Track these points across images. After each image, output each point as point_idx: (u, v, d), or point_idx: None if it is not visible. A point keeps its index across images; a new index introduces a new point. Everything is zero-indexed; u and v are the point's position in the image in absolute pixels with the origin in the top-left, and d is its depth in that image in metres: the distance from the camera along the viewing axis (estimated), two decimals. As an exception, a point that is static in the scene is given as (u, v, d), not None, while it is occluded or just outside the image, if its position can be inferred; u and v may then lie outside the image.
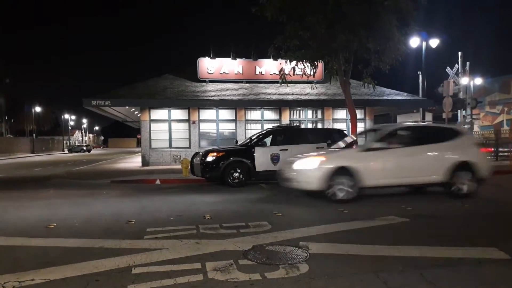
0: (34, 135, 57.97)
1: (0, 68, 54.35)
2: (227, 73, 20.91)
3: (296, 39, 13.08)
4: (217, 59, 20.87)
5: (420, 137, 9.02)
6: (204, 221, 6.48)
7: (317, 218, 6.71)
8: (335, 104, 20.02)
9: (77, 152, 57.14)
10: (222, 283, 3.70)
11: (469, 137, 9.16)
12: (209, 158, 11.31)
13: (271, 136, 12.29)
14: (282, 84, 15.91)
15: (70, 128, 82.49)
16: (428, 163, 8.58)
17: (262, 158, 11.42)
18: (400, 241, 5.11)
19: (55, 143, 68.70)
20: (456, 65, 21.93)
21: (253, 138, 12.53)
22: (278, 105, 19.91)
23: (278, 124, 18.18)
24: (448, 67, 22.09)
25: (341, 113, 20.79)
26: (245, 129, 19.97)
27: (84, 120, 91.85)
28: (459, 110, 23.38)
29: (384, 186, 8.57)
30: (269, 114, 20.46)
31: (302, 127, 18.43)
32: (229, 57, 20.92)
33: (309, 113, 20.79)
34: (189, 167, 12.64)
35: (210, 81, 20.78)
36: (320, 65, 17.00)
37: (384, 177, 8.36)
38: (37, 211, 7.87)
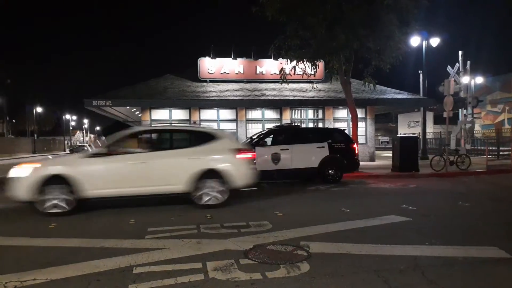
0: (35, 135, 58.04)
1: (1, 68, 54.46)
2: (228, 73, 20.90)
3: (297, 38, 13.10)
4: (218, 59, 20.86)
5: (166, 141, 8.41)
6: (205, 221, 6.48)
7: (319, 217, 6.70)
8: (336, 103, 19.99)
9: (78, 152, 57.23)
10: (223, 282, 3.70)
11: (226, 141, 8.13)
12: None
13: (271, 136, 12.05)
14: (283, 84, 15.91)
15: (71, 128, 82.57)
16: (169, 171, 7.68)
17: (262, 158, 11.15)
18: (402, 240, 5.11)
19: (56, 143, 68.80)
20: (457, 64, 21.87)
21: (253, 137, 12.47)
22: (279, 104, 19.90)
23: (278, 124, 18.09)
24: (449, 66, 22.04)
25: (342, 113, 20.77)
26: (246, 128, 19.96)
27: (85, 121, 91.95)
28: (460, 109, 23.37)
29: (113, 196, 7.43)
30: (270, 114, 20.46)
31: (303, 126, 18.38)
32: (230, 57, 20.91)
33: (310, 113, 20.77)
34: None
35: (211, 81, 20.77)
36: (321, 64, 17.00)
37: (112, 187, 7.35)
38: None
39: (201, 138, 8.26)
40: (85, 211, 7.28)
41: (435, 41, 19.74)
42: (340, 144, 11.95)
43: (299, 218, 6.63)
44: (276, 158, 11.30)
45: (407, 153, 13.74)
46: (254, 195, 9.59)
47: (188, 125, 11.50)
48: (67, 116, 74.73)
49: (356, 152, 12.43)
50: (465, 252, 4.53)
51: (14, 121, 67.69)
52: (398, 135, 16.14)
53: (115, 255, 4.56)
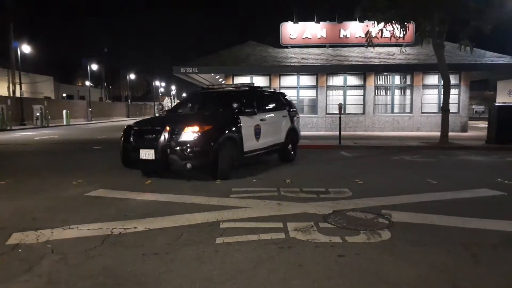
0: (129, 100, 62.94)
1: (100, 38, 59.19)
2: (310, 38, 20.44)
3: (385, -1, 12.26)
4: (300, 23, 20.44)
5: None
6: (285, 185, 6.67)
7: (402, 187, 6.51)
8: (426, 68, 18.63)
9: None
10: (303, 242, 3.85)
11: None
12: (188, 137, 6.74)
13: (245, 100, 8.23)
14: (368, 48, 15.19)
15: (160, 94, 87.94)
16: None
17: (248, 133, 7.83)
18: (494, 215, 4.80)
19: (147, 108, 73.98)
20: None
21: (220, 100, 8.92)
22: (363, 70, 19.11)
23: (233, 84, 14.73)
24: None
25: (433, 79, 19.34)
26: (326, 95, 19.59)
27: (173, 87, 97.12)
28: None
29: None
30: (353, 80, 19.76)
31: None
32: (313, 20, 20.37)
33: (397, 79, 19.65)
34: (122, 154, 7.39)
35: (292, 47, 20.53)
36: (411, 26, 15.85)
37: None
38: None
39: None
40: (173, 172, 7.88)
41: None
42: (293, 111, 9.97)
43: (381, 187, 6.50)
44: (258, 133, 8.22)
45: (506, 123, 12.50)
46: (332, 160, 9.55)
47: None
48: (157, 83, 79.55)
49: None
50: None
51: (110, 87, 73.83)
52: (495, 104, 14.67)
53: (204, 211, 4.95)
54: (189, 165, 6.64)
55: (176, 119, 7.59)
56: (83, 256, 3.54)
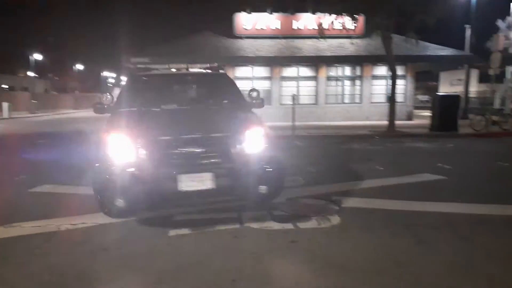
0: (76, 92, 60.21)
1: (44, 26, 56.01)
2: (264, 29, 20.49)
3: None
4: (254, 14, 20.40)
5: None
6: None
7: (351, 174, 6.76)
8: (375, 60, 19.28)
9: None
10: (257, 231, 3.91)
11: None
12: (258, 147, 4.28)
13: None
14: (320, 40, 15.46)
15: (110, 85, 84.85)
16: None
17: None
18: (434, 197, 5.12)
19: (96, 100, 71.22)
20: (508, 17, 20.32)
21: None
22: (315, 61, 19.46)
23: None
24: (499, 19, 20.53)
25: (381, 70, 20.08)
26: (280, 86, 19.81)
27: (124, 78, 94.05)
28: (506, 67, 21.96)
29: None
30: (305, 71, 20.09)
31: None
32: (267, 11, 20.41)
33: (347, 70, 20.22)
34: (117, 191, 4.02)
35: (247, 37, 20.50)
36: (361, 18, 16.31)
37: None
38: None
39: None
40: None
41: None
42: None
43: (332, 175, 6.71)
44: None
45: (447, 112, 13.27)
46: (286, 149, 9.73)
47: None
48: (106, 74, 76.59)
49: None
50: (500, 211, 4.50)
51: (56, 78, 70.17)
52: (438, 94, 15.52)
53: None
54: (264, 191, 4.06)
55: (198, 119, 4.64)
56: (27, 255, 3.38)
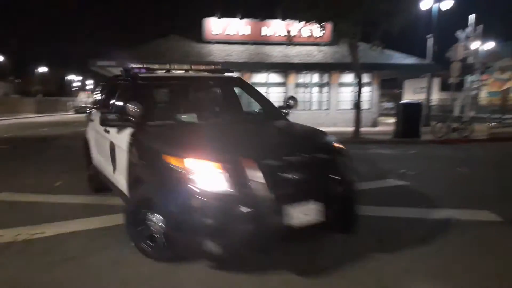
0: (39, 95, 58.05)
1: (5, 28, 53.76)
2: (233, 34, 20.56)
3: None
4: (224, 19, 20.45)
5: None
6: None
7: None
8: (342, 67, 19.72)
9: (82, 113, 57.38)
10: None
11: None
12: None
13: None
14: (289, 46, 15.63)
15: (75, 89, 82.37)
16: None
17: None
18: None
19: (60, 104, 68.88)
20: (468, 28, 21.30)
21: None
22: (284, 68, 19.69)
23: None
24: (460, 30, 21.47)
25: (348, 77, 20.55)
26: (250, 92, 19.89)
27: (90, 82, 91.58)
28: (465, 76, 23.02)
29: None
30: (275, 78, 20.28)
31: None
32: (236, 17, 20.48)
33: (315, 77, 20.56)
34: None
35: (216, 43, 20.48)
36: (329, 26, 16.66)
37: None
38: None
39: None
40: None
41: (445, 4, 19.15)
42: None
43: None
44: None
45: (410, 119, 13.71)
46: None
47: None
48: (71, 77, 74.38)
49: None
50: (459, 215, 4.68)
51: (18, 81, 67.43)
52: (401, 101, 16.06)
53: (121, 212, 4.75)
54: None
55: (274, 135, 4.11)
56: (-19, 267, 3.21)
